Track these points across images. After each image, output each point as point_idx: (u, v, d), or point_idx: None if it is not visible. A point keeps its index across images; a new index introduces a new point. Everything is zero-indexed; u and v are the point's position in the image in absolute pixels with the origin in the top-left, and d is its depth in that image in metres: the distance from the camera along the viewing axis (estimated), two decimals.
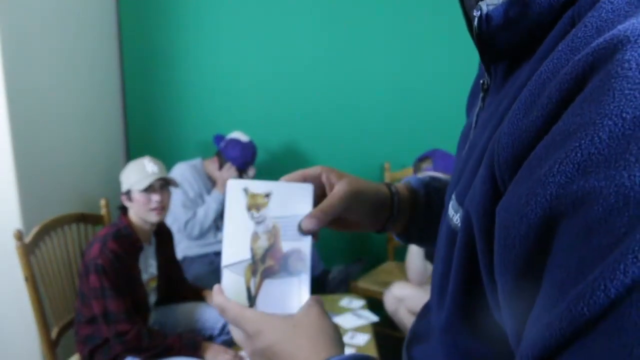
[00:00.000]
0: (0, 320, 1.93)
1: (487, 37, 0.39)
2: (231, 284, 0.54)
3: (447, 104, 2.70)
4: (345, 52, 2.70)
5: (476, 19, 0.39)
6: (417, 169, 2.12)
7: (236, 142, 2.46)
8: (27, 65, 1.92)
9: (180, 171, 2.44)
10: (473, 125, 0.47)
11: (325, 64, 2.72)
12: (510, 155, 0.32)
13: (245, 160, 2.45)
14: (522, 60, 0.38)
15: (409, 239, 0.69)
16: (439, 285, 0.46)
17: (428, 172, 2.07)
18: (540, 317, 0.27)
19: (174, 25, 2.70)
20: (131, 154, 2.75)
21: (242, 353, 1.85)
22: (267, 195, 0.56)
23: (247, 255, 0.54)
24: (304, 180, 0.58)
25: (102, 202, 2.11)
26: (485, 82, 0.45)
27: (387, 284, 2.29)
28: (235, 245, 0.55)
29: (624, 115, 0.25)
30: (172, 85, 2.75)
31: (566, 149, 0.27)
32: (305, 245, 0.55)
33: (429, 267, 2.16)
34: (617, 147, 0.25)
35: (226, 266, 0.54)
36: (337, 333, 0.49)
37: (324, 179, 0.59)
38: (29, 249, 1.69)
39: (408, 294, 2.12)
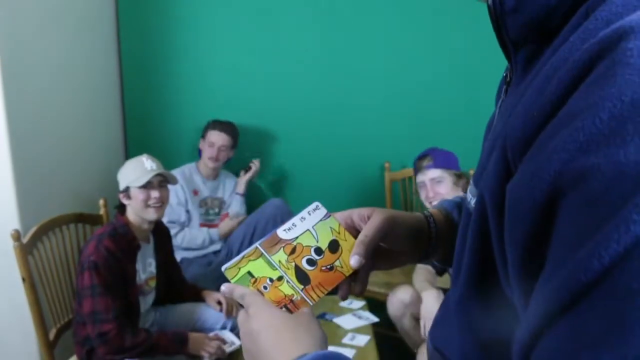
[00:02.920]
0: None
1: (501, 20, 0.43)
2: None
3: (446, 104, 2.69)
4: (346, 53, 2.69)
5: (491, 1, 0.43)
6: (418, 168, 2.11)
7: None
8: (25, 66, 1.91)
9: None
10: (496, 115, 0.49)
11: (325, 64, 2.71)
12: (521, 137, 0.34)
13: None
14: (540, 54, 0.41)
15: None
16: (456, 265, 0.48)
17: (429, 169, 2.05)
18: (542, 287, 0.29)
19: (173, 26, 2.69)
20: (130, 153, 2.74)
21: (224, 333, 1.90)
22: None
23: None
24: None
25: (101, 202, 2.10)
26: (508, 75, 0.48)
27: (387, 285, 2.27)
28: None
29: (622, 97, 0.27)
30: (170, 86, 2.74)
31: (570, 129, 0.29)
32: None
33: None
34: (616, 127, 0.27)
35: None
36: (323, 338, 0.52)
37: (355, 218, 0.62)
38: (26, 250, 1.68)
39: (416, 300, 2.03)
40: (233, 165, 2.69)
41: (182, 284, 2.08)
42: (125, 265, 1.74)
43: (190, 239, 2.41)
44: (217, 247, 2.49)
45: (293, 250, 0.59)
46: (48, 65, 2.08)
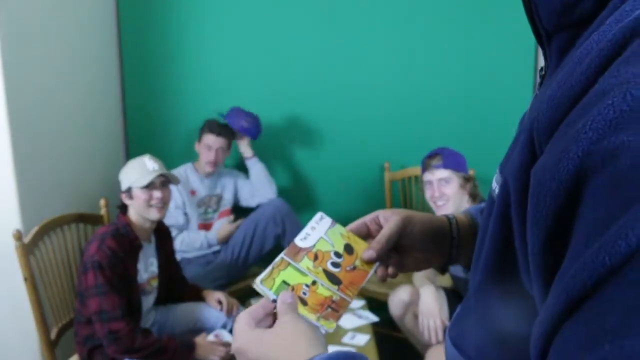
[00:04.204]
0: (0, 321, 1.93)
1: (534, 4, 0.41)
2: None
3: (447, 104, 2.69)
4: (346, 53, 2.70)
5: None
6: (426, 165, 2.09)
7: (239, 111, 2.54)
8: (27, 66, 1.91)
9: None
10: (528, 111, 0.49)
11: (326, 64, 2.71)
12: (548, 119, 0.33)
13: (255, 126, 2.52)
14: (573, 45, 0.40)
15: None
16: (477, 253, 0.48)
17: (437, 169, 2.02)
18: (565, 271, 0.27)
19: (174, 26, 2.69)
20: (131, 153, 2.74)
21: (224, 332, 1.91)
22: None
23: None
24: (366, 225, 0.68)
25: (102, 202, 2.11)
26: (543, 68, 0.47)
27: (387, 284, 2.28)
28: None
29: None
30: (171, 85, 2.75)
31: (600, 107, 0.27)
32: None
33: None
34: None
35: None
36: (315, 333, 0.53)
37: (381, 219, 0.67)
38: (28, 249, 1.69)
39: (417, 299, 2.02)
40: (227, 164, 2.71)
41: (182, 284, 2.09)
42: (128, 265, 1.75)
43: (189, 243, 2.41)
44: (216, 247, 2.49)
45: (316, 257, 0.64)
46: (49, 66, 2.08)
